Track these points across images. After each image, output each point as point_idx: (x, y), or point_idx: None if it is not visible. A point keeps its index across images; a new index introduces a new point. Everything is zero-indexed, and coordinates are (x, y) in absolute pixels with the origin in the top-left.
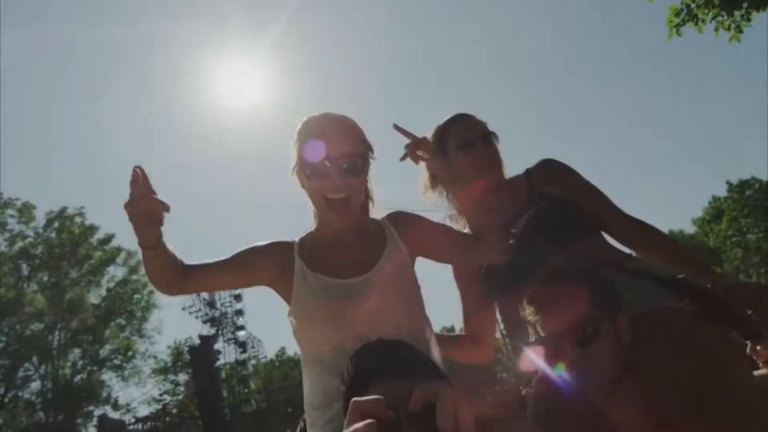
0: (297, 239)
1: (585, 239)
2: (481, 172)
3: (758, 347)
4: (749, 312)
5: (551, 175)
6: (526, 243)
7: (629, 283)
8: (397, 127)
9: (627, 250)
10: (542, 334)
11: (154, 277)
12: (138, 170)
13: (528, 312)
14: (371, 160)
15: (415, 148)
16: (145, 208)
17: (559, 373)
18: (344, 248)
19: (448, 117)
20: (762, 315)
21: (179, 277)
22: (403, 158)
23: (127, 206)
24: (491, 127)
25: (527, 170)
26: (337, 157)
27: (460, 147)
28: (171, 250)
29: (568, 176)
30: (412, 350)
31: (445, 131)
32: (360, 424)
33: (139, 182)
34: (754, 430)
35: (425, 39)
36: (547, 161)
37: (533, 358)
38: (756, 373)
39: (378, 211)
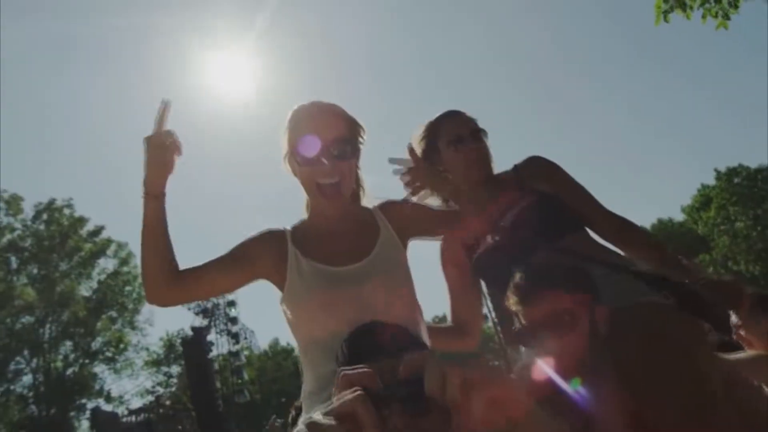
0: (289, 227)
1: (570, 234)
2: (471, 167)
3: (742, 332)
4: (722, 306)
5: (539, 171)
6: (514, 236)
7: (610, 278)
8: (393, 161)
9: (610, 246)
10: (524, 323)
11: (151, 266)
12: (164, 106)
13: (512, 302)
14: (361, 146)
15: (413, 179)
16: (163, 148)
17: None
18: (337, 236)
19: (439, 113)
20: (738, 308)
21: (175, 277)
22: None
23: (150, 138)
24: (482, 123)
25: (515, 166)
26: (328, 143)
27: (450, 143)
28: (170, 238)
29: (554, 173)
30: (405, 332)
31: (436, 127)
32: (348, 394)
33: (164, 120)
34: (720, 421)
35: (416, 27)
36: (535, 158)
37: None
38: (735, 355)
39: (369, 200)
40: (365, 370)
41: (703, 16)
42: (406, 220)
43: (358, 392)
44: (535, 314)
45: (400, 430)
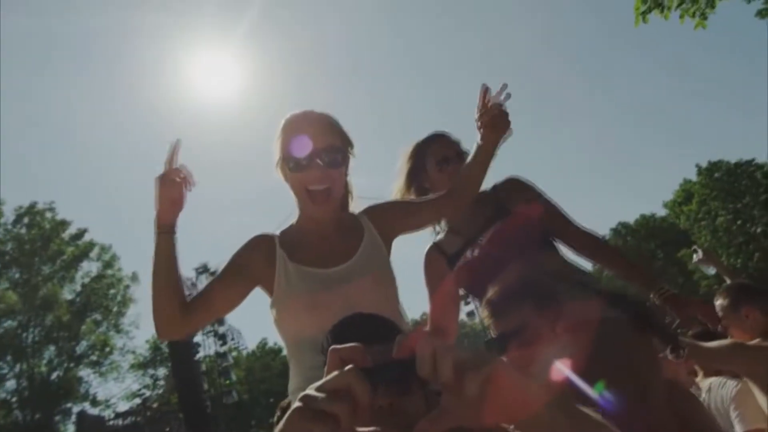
0: (278, 232)
1: (542, 252)
2: None
3: (725, 324)
4: (675, 321)
5: (516, 192)
6: (490, 252)
7: (573, 295)
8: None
9: (578, 264)
10: (494, 335)
11: (163, 302)
12: (175, 146)
13: (484, 316)
14: (351, 156)
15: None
16: (173, 185)
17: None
18: (325, 239)
19: (425, 136)
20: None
21: (186, 309)
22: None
23: (160, 179)
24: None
25: (494, 186)
26: (318, 150)
27: (437, 163)
28: (179, 273)
29: (530, 194)
30: (388, 322)
31: (423, 149)
32: (339, 371)
33: (174, 160)
34: (655, 421)
35: (405, 28)
36: (513, 179)
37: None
38: (711, 343)
39: (357, 204)
40: (355, 345)
41: (681, 17)
42: (389, 221)
43: (351, 367)
44: (503, 327)
45: (384, 409)
